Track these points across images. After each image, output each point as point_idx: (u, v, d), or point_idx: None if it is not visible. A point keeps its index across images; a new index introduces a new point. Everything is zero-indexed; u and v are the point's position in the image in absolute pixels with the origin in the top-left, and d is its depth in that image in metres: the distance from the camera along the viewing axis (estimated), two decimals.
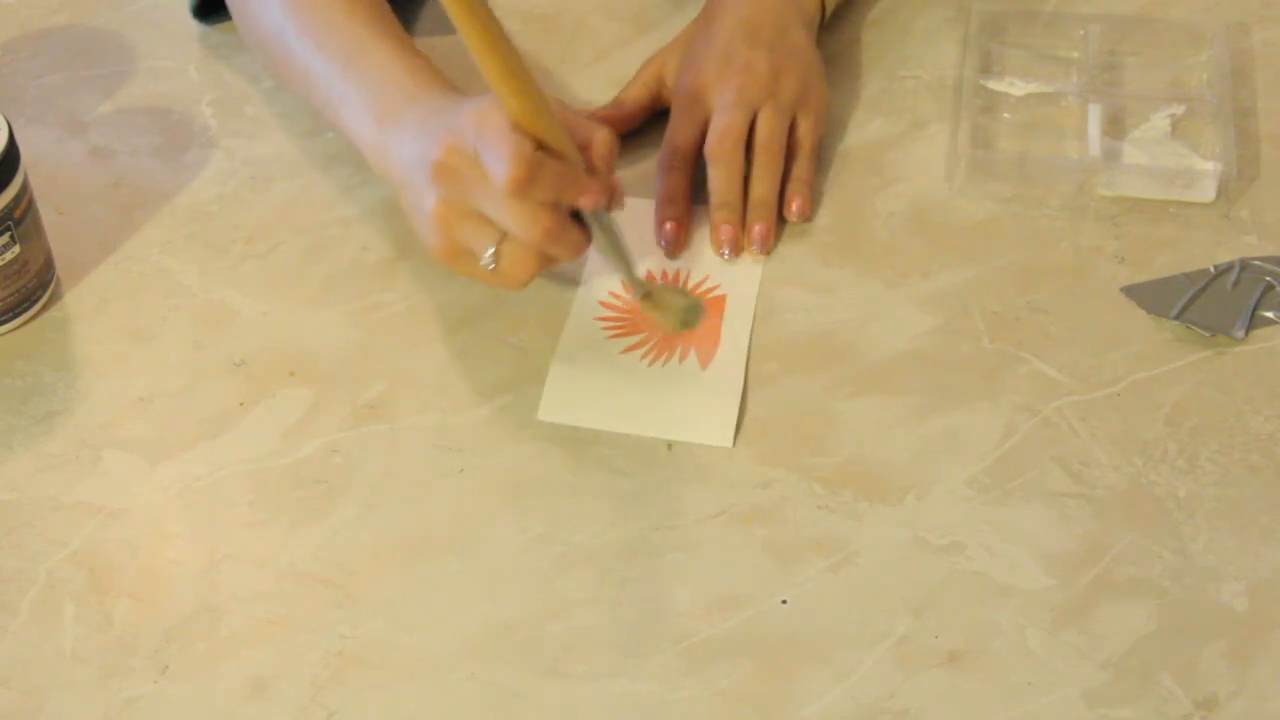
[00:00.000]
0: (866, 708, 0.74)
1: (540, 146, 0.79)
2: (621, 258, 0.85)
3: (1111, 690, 0.74)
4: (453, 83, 0.90)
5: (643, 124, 1.01)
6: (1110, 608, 0.77)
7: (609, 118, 1.00)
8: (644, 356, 0.88)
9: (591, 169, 0.82)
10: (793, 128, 0.97)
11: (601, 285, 0.92)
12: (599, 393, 0.87)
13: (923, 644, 0.76)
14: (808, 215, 0.95)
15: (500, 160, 0.78)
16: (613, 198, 0.83)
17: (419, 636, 0.77)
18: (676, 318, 0.87)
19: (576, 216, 0.82)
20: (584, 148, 0.82)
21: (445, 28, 0.78)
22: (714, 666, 0.75)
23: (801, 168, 0.96)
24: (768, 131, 0.95)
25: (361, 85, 0.89)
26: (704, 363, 0.88)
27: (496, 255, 0.82)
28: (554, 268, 0.85)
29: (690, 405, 0.86)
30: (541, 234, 0.80)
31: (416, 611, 0.78)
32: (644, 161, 1.00)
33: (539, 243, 0.80)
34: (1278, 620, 0.76)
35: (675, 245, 0.94)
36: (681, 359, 0.88)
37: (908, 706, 0.74)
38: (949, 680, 0.74)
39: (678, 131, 0.96)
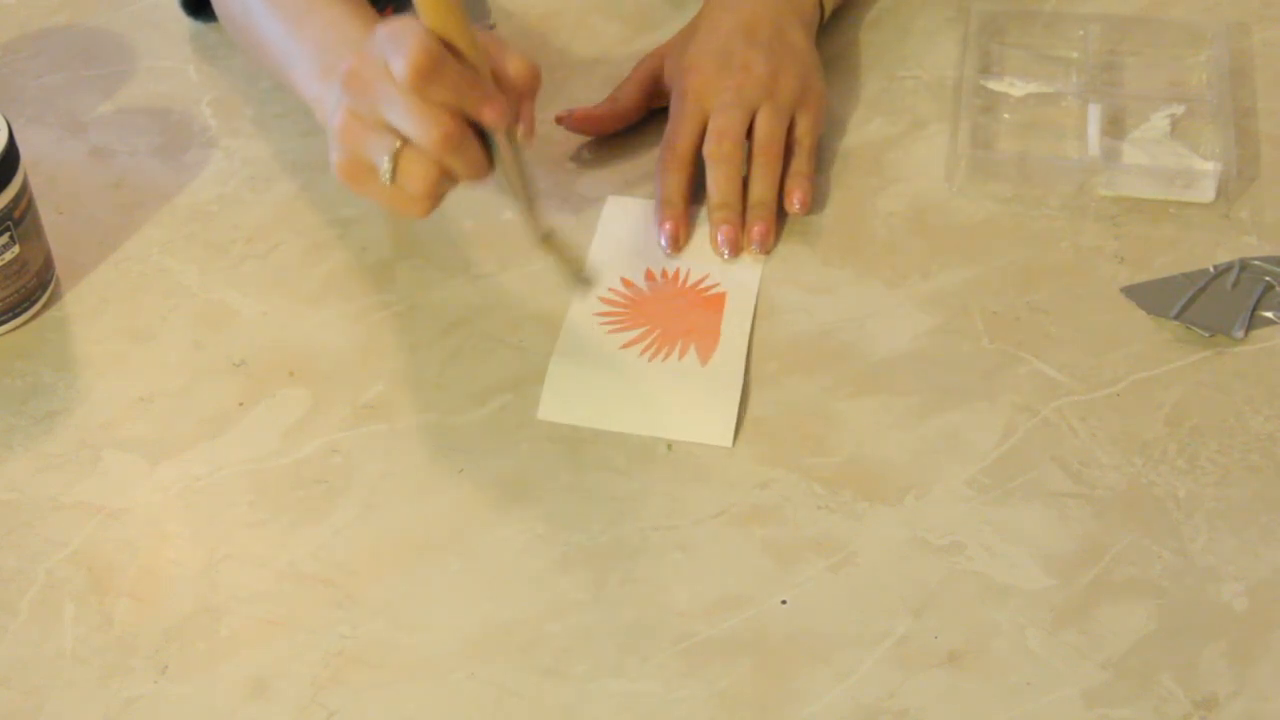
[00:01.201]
0: (866, 708, 0.74)
1: (453, 53, 0.77)
2: (524, 192, 0.82)
3: (1111, 690, 0.74)
4: None
5: (638, 121, 1.01)
6: (1110, 608, 0.77)
7: (604, 114, 1.00)
8: (643, 352, 0.88)
9: (502, 88, 0.79)
10: (791, 127, 0.97)
11: (610, 276, 0.92)
12: (598, 391, 0.87)
13: (923, 644, 0.76)
14: (809, 206, 0.95)
15: (403, 54, 0.75)
16: (520, 121, 0.80)
17: (419, 636, 0.77)
18: (568, 274, 0.86)
19: (484, 141, 0.80)
20: (500, 73, 0.79)
21: None
22: (714, 666, 0.75)
23: (801, 163, 0.96)
24: (766, 131, 0.95)
25: (310, 42, 0.89)
26: (704, 359, 0.88)
27: (394, 165, 0.78)
28: (452, 187, 0.81)
29: (690, 404, 0.86)
30: (440, 137, 0.76)
31: (416, 611, 0.78)
32: (643, 160, 1.00)
33: (436, 147, 0.77)
34: (1278, 620, 0.76)
35: (675, 244, 0.94)
36: (681, 355, 0.88)
37: (908, 706, 0.74)
38: (949, 680, 0.74)
39: (677, 131, 0.96)
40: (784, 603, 0.78)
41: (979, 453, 0.84)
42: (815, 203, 0.97)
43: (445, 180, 0.80)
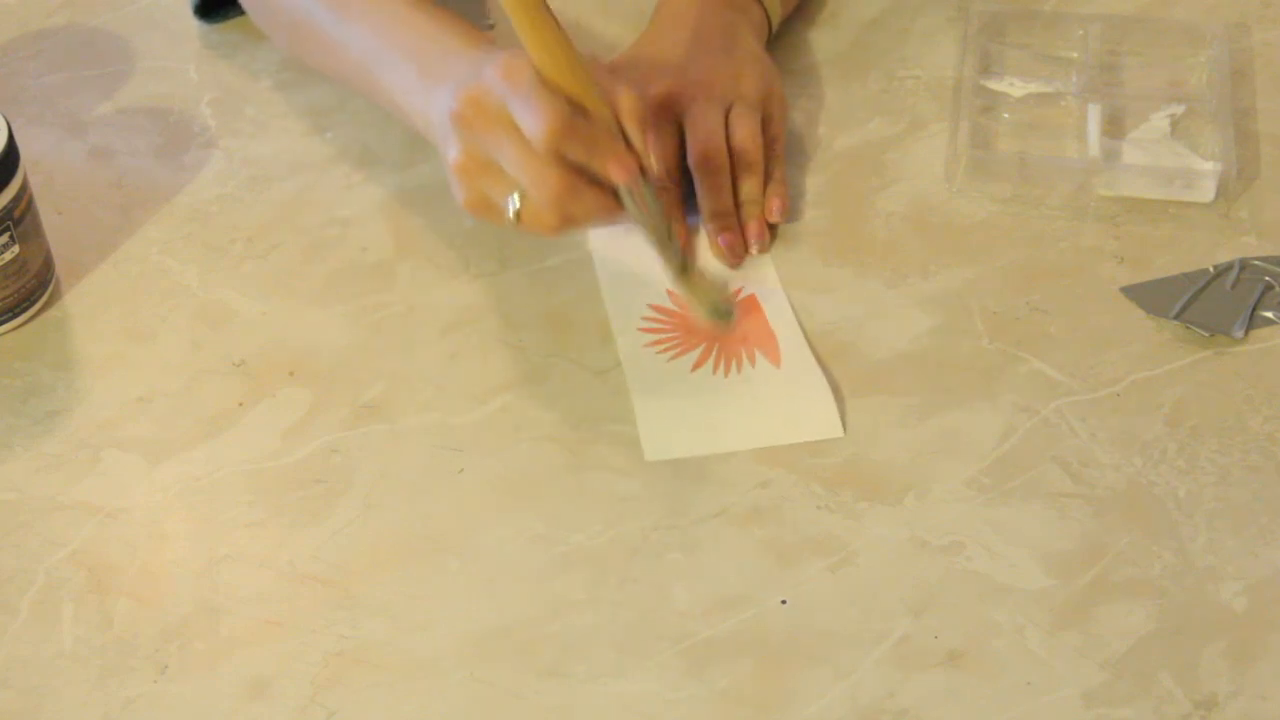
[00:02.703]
0: (866, 708, 0.74)
1: (572, 104, 0.79)
2: (655, 228, 0.83)
3: (1111, 690, 0.74)
4: (492, 38, 0.90)
5: None
6: (1110, 608, 0.77)
7: None
8: (715, 370, 0.87)
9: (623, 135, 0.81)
10: (763, 126, 0.96)
11: (635, 305, 0.91)
12: (695, 419, 0.85)
13: (922, 644, 0.76)
14: (788, 214, 0.95)
15: (533, 117, 0.78)
16: (645, 170, 0.81)
17: (419, 636, 0.77)
18: (708, 307, 0.86)
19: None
20: (615, 110, 0.81)
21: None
22: (714, 666, 0.75)
23: (777, 168, 0.96)
24: (746, 131, 0.95)
25: (401, 48, 0.89)
26: (775, 361, 0.87)
27: (518, 208, 0.81)
28: (586, 225, 0.83)
29: (788, 406, 0.85)
30: (550, 195, 0.79)
31: (416, 611, 0.78)
32: None
33: (553, 202, 0.79)
34: (1277, 620, 0.76)
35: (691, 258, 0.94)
36: (752, 364, 0.87)
37: (907, 706, 0.74)
38: (949, 680, 0.74)
39: (655, 145, 0.96)
40: (784, 603, 0.78)
41: (979, 453, 0.84)
42: (815, 203, 0.97)
43: (570, 220, 0.81)
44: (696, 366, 0.88)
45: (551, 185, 0.79)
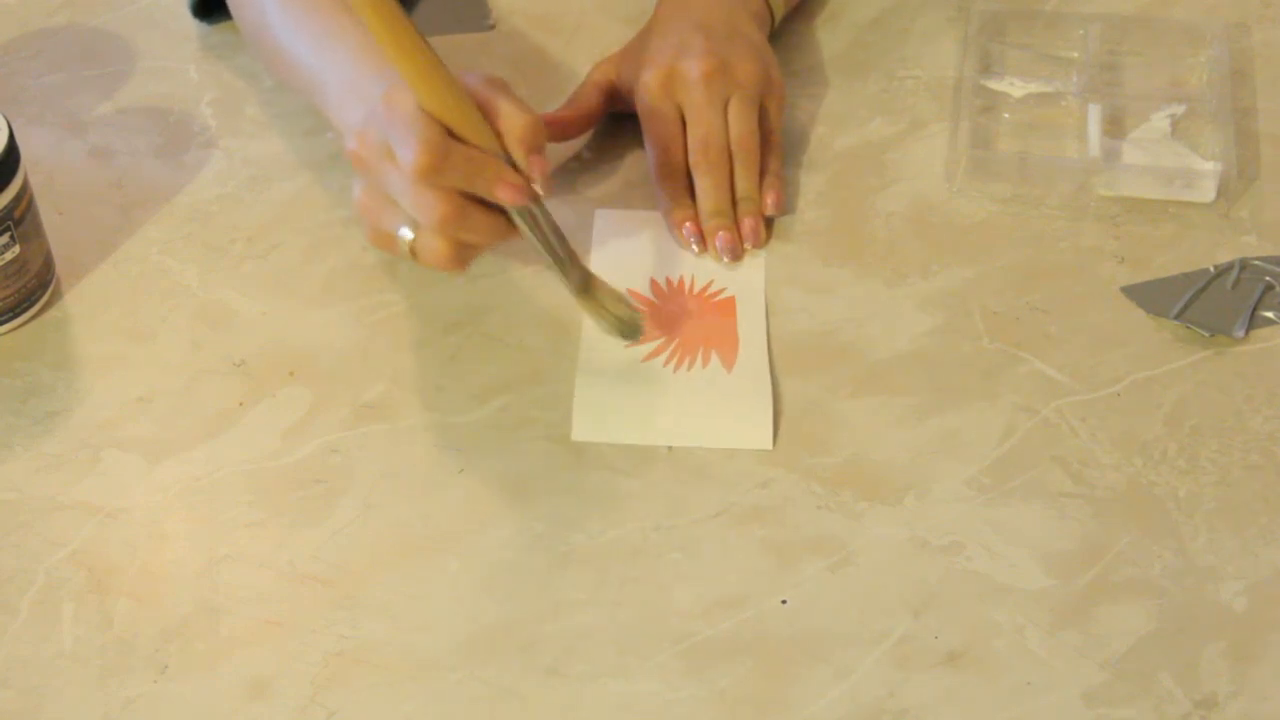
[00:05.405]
0: (866, 708, 0.74)
1: (451, 132, 0.78)
2: (550, 247, 0.83)
3: (1111, 690, 0.74)
4: None
5: (595, 126, 1.01)
6: (1110, 608, 0.77)
7: (563, 119, 0.99)
8: (666, 363, 0.88)
9: (510, 157, 0.80)
10: (761, 117, 0.96)
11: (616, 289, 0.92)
12: (630, 408, 0.86)
13: (922, 644, 0.76)
14: (783, 207, 0.95)
15: (407, 148, 0.77)
16: (533, 189, 0.80)
17: (419, 636, 0.77)
18: (613, 325, 0.86)
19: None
20: (500, 134, 0.80)
21: (439, 28, 0.78)
22: (714, 666, 0.75)
23: (774, 162, 0.96)
24: (742, 127, 0.95)
25: (336, 67, 0.89)
26: (728, 366, 0.88)
27: (411, 240, 0.81)
28: (482, 252, 0.83)
29: (724, 411, 0.85)
30: (439, 221, 0.78)
31: (416, 611, 0.78)
32: (619, 175, 0.99)
33: (440, 228, 0.79)
34: (1277, 620, 0.76)
35: (702, 242, 0.94)
36: (704, 363, 0.88)
37: (907, 706, 0.74)
38: (949, 680, 0.74)
39: (659, 132, 0.96)
40: (784, 603, 0.78)
41: (979, 453, 0.84)
42: (815, 203, 0.97)
43: (464, 248, 0.81)
44: (650, 357, 0.88)
45: (433, 212, 0.78)
